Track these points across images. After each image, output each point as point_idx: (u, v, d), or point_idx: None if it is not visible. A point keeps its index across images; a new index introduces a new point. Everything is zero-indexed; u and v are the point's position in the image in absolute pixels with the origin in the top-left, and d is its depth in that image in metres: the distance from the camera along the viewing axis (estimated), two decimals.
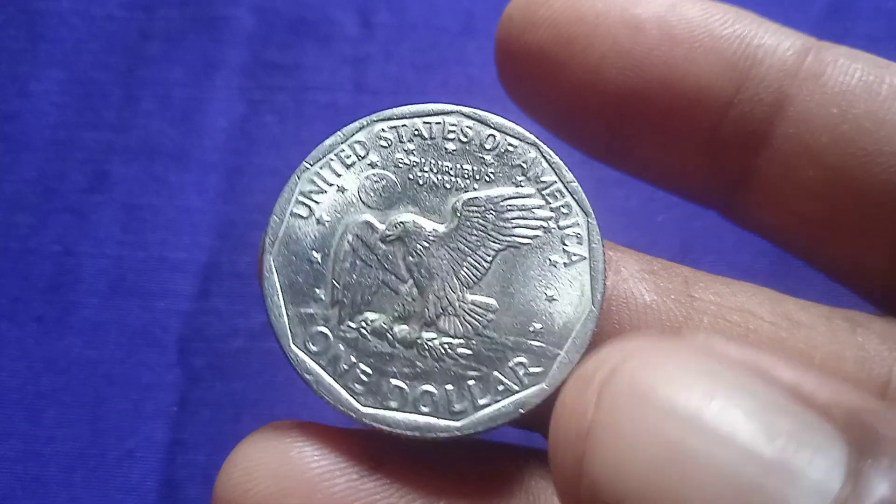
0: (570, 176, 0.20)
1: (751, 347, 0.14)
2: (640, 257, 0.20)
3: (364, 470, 0.18)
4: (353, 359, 0.19)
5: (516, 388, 0.19)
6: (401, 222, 0.20)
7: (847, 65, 0.19)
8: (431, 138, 0.20)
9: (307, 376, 0.19)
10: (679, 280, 0.20)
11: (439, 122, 0.21)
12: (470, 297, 0.19)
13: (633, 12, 0.19)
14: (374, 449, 0.18)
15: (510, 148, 0.20)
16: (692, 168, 0.20)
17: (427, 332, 0.19)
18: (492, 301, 0.19)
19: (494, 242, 0.19)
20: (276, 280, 0.19)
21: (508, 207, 0.20)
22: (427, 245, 0.20)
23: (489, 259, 0.19)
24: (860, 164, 0.18)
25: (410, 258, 0.19)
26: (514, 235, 0.19)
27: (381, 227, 0.20)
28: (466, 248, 0.20)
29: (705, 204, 0.21)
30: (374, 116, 0.21)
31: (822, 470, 0.12)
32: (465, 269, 0.19)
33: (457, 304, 0.19)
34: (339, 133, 0.20)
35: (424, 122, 0.21)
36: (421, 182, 0.20)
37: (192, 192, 0.35)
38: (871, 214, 0.19)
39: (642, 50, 0.19)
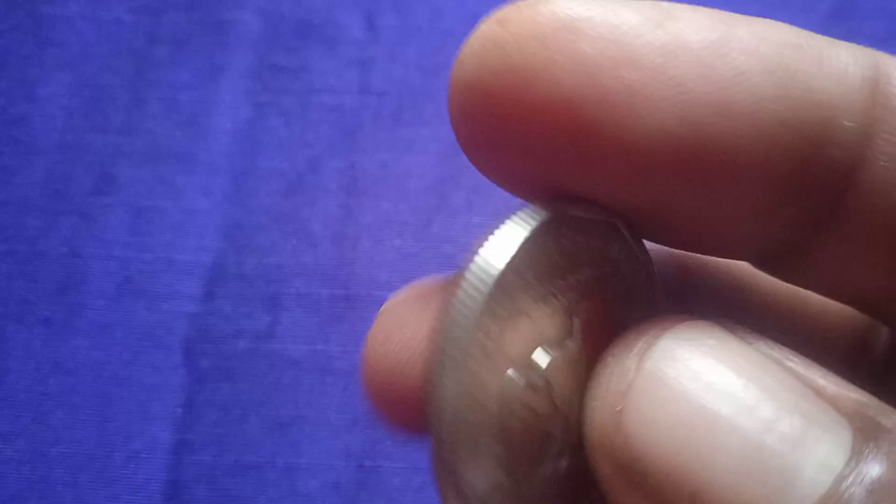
0: (644, 250, 0.18)
1: (768, 339, 0.15)
2: None
3: None
4: None
5: None
6: (549, 380, 0.17)
7: None
8: (538, 248, 0.17)
9: None
10: None
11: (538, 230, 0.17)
12: None
13: (676, 72, 0.14)
14: None
15: (588, 229, 0.17)
16: (739, 238, 0.17)
17: (580, 457, 0.16)
18: None
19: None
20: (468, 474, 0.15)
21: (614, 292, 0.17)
22: (565, 370, 0.17)
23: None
24: None
25: (556, 391, 0.17)
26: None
27: (542, 397, 0.16)
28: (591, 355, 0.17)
29: (744, 260, 0.18)
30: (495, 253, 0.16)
31: (830, 446, 0.13)
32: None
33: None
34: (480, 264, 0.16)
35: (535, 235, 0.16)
36: (535, 296, 0.17)
37: (199, 194, 0.35)
38: None
39: (697, 126, 0.15)
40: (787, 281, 0.18)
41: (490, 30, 0.16)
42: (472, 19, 0.39)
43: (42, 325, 0.33)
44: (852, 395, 0.14)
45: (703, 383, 0.14)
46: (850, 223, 0.16)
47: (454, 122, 0.16)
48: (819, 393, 0.14)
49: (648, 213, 0.17)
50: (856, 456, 0.13)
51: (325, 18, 0.37)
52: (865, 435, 0.13)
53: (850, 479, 0.13)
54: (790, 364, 0.14)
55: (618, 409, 0.14)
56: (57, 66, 0.37)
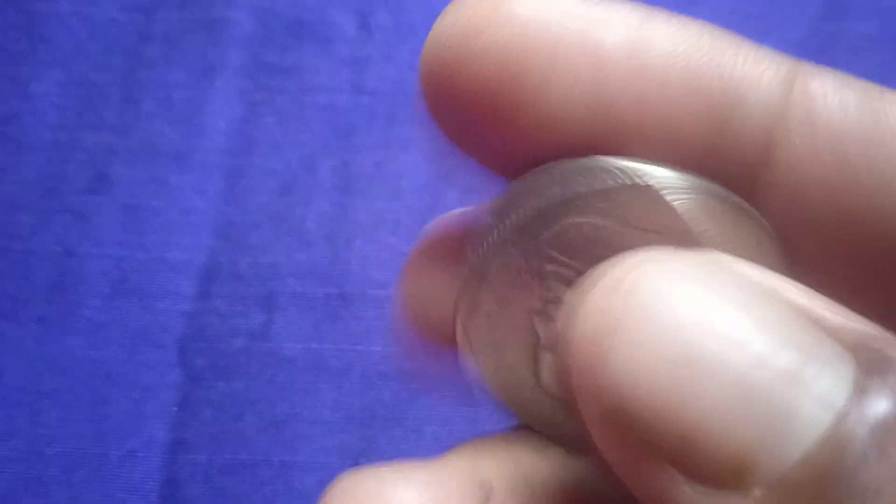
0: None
1: (766, 270, 0.14)
2: None
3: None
4: None
5: None
6: None
7: (837, 98, 0.16)
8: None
9: None
10: None
11: None
12: None
13: (596, 38, 0.16)
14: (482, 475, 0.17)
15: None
16: None
17: None
18: None
19: None
20: None
21: None
22: None
23: None
24: (856, 227, 0.16)
25: None
26: None
27: None
28: None
29: None
30: None
31: (831, 382, 0.12)
32: None
33: None
34: None
35: None
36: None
37: (192, 193, 0.35)
38: (869, 284, 0.17)
39: (609, 87, 0.16)
40: None
41: (455, 2, 0.17)
42: None
43: (36, 323, 0.34)
44: (857, 325, 0.13)
45: (693, 319, 0.13)
46: (772, 198, 0.16)
47: (422, 78, 0.17)
48: (819, 324, 0.13)
49: None
50: (858, 392, 0.12)
51: (319, 17, 0.37)
52: (870, 368, 0.12)
53: (852, 417, 0.12)
54: (789, 294, 0.14)
55: (605, 348, 0.13)
56: (49, 63, 0.37)
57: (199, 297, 0.33)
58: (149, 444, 0.32)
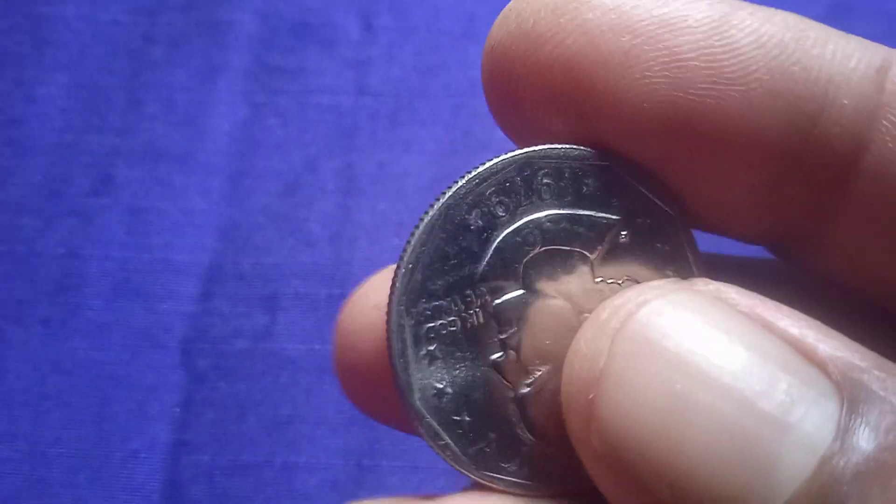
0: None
1: (757, 297, 0.14)
2: None
3: None
4: None
5: None
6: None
7: None
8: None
9: None
10: None
11: None
12: None
13: (671, 42, 0.15)
14: None
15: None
16: (746, 215, 0.17)
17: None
18: None
19: None
20: None
21: None
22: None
23: None
24: None
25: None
26: None
27: None
28: None
29: (758, 244, 0.18)
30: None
31: (815, 424, 0.12)
32: None
33: None
34: None
35: None
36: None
37: (196, 194, 0.35)
38: None
39: (687, 93, 0.15)
40: (804, 270, 0.18)
41: (516, 3, 0.17)
42: (468, 19, 0.39)
43: (40, 325, 0.34)
44: (845, 354, 0.13)
45: (678, 367, 0.13)
46: (858, 207, 0.16)
47: (484, 82, 0.18)
48: (809, 356, 0.13)
49: (659, 177, 0.17)
50: (843, 431, 0.12)
51: (322, 19, 0.37)
52: (854, 405, 0.13)
53: (835, 461, 0.12)
54: (779, 323, 0.14)
55: (590, 396, 0.14)
56: (54, 66, 0.37)
57: (202, 298, 0.33)
58: (151, 445, 0.32)
